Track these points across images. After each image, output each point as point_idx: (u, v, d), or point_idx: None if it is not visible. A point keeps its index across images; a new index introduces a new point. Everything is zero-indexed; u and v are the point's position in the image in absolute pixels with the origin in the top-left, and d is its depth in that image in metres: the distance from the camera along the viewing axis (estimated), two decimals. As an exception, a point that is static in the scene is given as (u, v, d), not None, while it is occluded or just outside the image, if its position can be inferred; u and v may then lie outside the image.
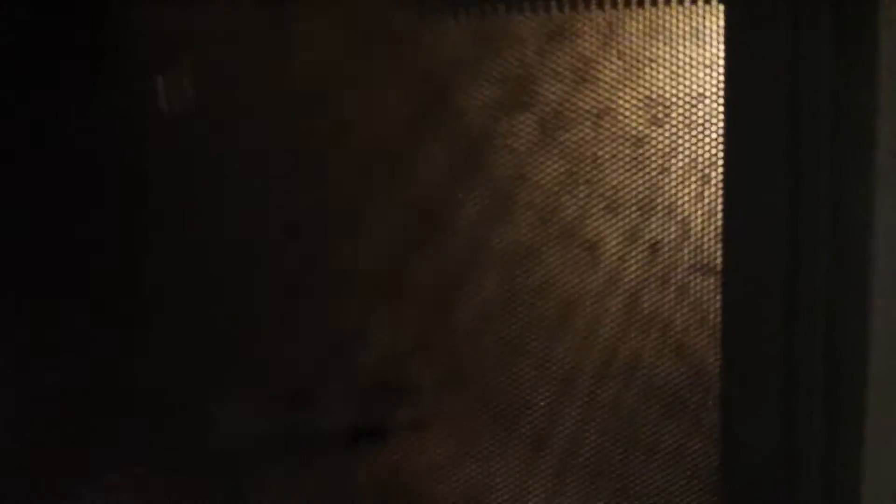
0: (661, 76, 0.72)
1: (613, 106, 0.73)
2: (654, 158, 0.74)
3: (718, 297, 0.75)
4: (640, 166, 0.74)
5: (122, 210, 0.79)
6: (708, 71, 0.71)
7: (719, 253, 0.74)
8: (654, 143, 0.73)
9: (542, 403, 0.78)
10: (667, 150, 0.73)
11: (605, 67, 0.73)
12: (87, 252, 0.78)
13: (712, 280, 0.75)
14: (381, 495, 0.80)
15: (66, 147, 0.76)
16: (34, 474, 0.79)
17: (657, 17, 0.72)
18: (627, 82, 0.73)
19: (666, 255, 0.75)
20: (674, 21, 0.72)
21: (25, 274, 0.77)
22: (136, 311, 0.79)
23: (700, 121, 0.72)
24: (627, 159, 0.74)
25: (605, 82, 0.73)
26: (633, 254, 0.75)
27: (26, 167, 0.76)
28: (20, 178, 0.75)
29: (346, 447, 0.80)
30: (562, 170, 0.75)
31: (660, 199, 0.74)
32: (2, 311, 0.76)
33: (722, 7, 0.70)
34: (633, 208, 0.74)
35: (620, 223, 0.75)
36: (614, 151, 0.74)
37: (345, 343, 0.79)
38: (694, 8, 0.71)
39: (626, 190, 0.74)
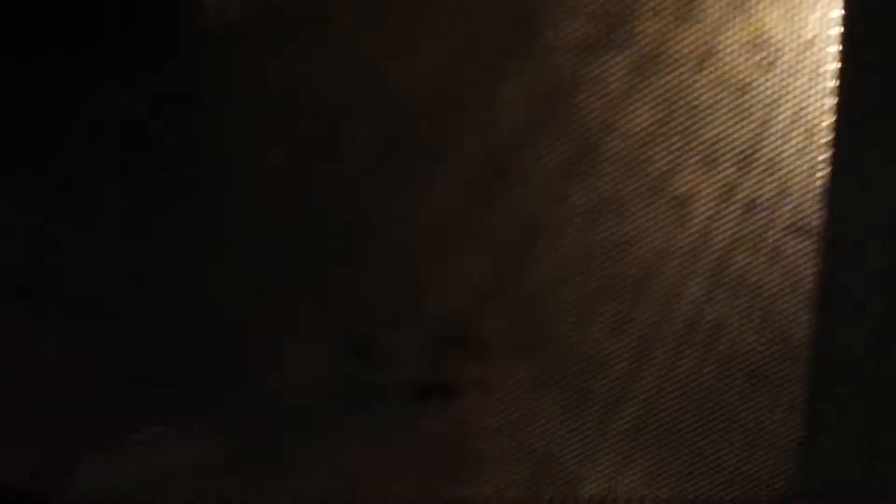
0: (769, 17, 0.67)
1: (715, 48, 0.68)
2: (756, 108, 0.69)
3: (815, 260, 0.71)
4: (740, 116, 0.69)
5: (187, 157, 0.77)
6: (822, 12, 0.66)
7: (820, 212, 0.70)
8: (757, 91, 0.69)
9: (618, 367, 0.75)
10: (771, 99, 0.68)
11: (709, 4, 0.68)
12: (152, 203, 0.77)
13: (809, 243, 0.71)
14: (446, 452, 0.79)
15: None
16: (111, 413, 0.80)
17: None
18: (731, 22, 0.69)
19: (762, 214, 0.71)
20: None
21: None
22: (204, 263, 0.78)
23: (811, 68, 0.67)
24: (728, 108, 0.69)
25: (708, 21, 0.68)
26: (727, 211, 0.71)
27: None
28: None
29: (413, 402, 0.78)
30: (654, 118, 0.70)
31: (760, 154, 0.70)
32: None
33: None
34: (730, 162, 0.70)
35: (715, 178, 0.71)
36: (713, 99, 0.69)
37: (416, 298, 0.77)
38: None
39: (724, 142, 0.70)
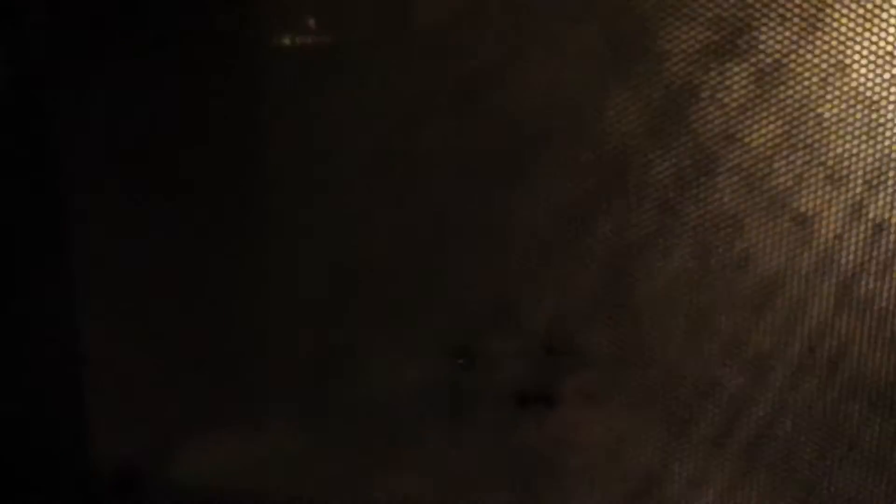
0: None
1: (846, 60, 0.65)
2: (888, 124, 0.65)
3: None
4: (870, 133, 0.66)
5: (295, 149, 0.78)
6: None
7: None
8: (889, 106, 0.65)
9: (731, 386, 0.73)
10: None
11: (839, 14, 0.65)
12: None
13: None
14: (547, 461, 0.79)
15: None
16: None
17: None
18: (864, 33, 0.65)
19: (891, 235, 0.67)
20: None
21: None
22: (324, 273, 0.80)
23: None
24: (857, 123, 0.66)
25: (838, 31, 0.65)
26: (854, 230, 0.68)
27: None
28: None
29: (513, 410, 0.78)
30: (778, 131, 0.67)
31: (891, 172, 0.66)
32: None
33: None
34: (859, 180, 0.66)
35: (842, 196, 0.67)
36: (843, 114, 0.66)
37: (519, 306, 0.77)
38: None
39: (852, 159, 0.66)
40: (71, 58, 0.78)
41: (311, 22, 0.76)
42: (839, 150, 0.67)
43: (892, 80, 0.65)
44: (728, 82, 0.68)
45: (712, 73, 0.68)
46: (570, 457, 0.78)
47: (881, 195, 0.67)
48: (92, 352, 0.81)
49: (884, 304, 0.69)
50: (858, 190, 0.68)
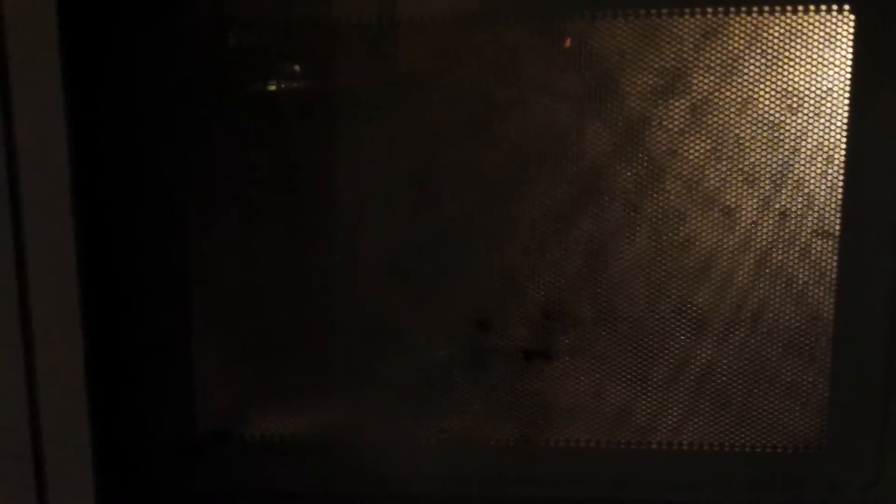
0: (796, 72, 0.85)
1: (755, 95, 0.86)
2: (787, 140, 0.86)
3: (836, 256, 0.87)
4: (775, 146, 0.86)
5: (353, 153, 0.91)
6: (838, 69, 0.84)
7: (839, 220, 0.86)
8: (788, 128, 0.86)
9: (681, 339, 0.91)
10: (798, 134, 0.86)
11: (749, 63, 0.86)
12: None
13: (831, 243, 0.88)
14: (546, 402, 0.93)
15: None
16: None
17: (796, 22, 0.84)
18: (767, 76, 0.85)
19: (793, 221, 0.87)
20: (809, 25, 0.84)
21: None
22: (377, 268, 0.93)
23: (828, 111, 0.85)
24: (765, 140, 0.86)
25: (749, 75, 0.86)
26: (765, 218, 0.88)
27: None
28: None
29: (520, 364, 0.92)
30: (708, 147, 0.87)
31: (790, 175, 0.86)
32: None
33: (853, 16, 0.82)
34: (767, 181, 0.87)
35: (756, 193, 0.87)
36: (754, 133, 0.86)
37: (523, 284, 0.91)
38: (828, 16, 0.84)
39: (762, 166, 0.87)
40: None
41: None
42: (752, 160, 0.85)
43: (789, 109, 0.85)
44: (671, 113, 0.85)
45: (659, 107, 0.85)
46: (563, 397, 0.92)
47: (783, 192, 0.86)
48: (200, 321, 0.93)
49: (790, 270, 0.88)
50: (767, 188, 0.86)
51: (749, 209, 0.87)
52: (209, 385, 0.95)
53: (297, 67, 0.91)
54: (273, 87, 0.91)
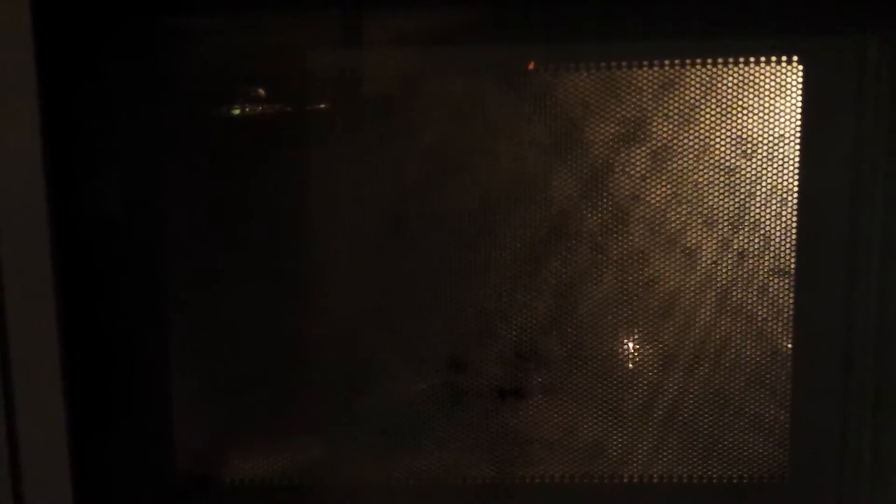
0: (750, 120, 0.89)
1: (712, 142, 0.90)
2: (743, 184, 0.91)
3: (792, 293, 0.92)
4: (732, 190, 0.91)
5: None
6: (788, 117, 0.89)
7: (794, 259, 0.91)
8: (744, 172, 0.91)
9: (649, 375, 0.94)
10: (754, 178, 0.90)
11: (705, 112, 0.90)
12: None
13: (787, 280, 0.92)
14: (521, 439, 0.95)
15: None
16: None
17: (748, 72, 0.89)
18: (722, 124, 0.90)
19: (751, 260, 0.92)
20: (761, 76, 0.89)
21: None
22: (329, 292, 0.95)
23: (781, 156, 0.89)
24: (722, 184, 0.91)
25: (705, 123, 0.91)
26: (725, 258, 0.92)
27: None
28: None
29: (495, 402, 0.95)
30: (668, 192, 0.91)
31: (747, 217, 0.91)
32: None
33: (801, 66, 0.88)
34: (725, 223, 0.91)
35: (715, 234, 0.92)
36: (712, 178, 0.91)
37: (496, 325, 0.94)
38: (778, 67, 0.89)
39: (720, 209, 0.91)
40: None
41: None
42: (710, 204, 0.89)
43: (743, 154, 0.90)
44: (633, 160, 0.89)
45: (622, 154, 0.89)
46: (536, 433, 0.94)
47: (740, 233, 0.91)
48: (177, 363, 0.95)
49: (750, 307, 0.93)
50: (725, 230, 0.90)
51: (709, 250, 0.91)
52: (189, 431, 0.97)
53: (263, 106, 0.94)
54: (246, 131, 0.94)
